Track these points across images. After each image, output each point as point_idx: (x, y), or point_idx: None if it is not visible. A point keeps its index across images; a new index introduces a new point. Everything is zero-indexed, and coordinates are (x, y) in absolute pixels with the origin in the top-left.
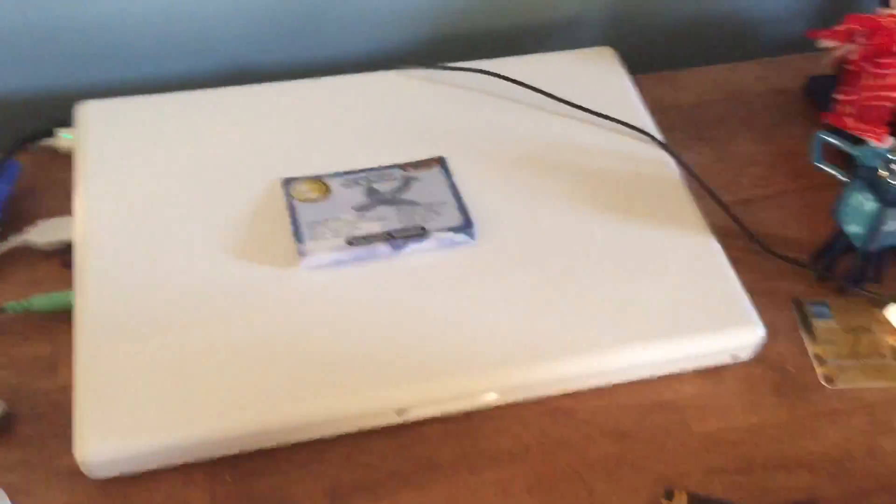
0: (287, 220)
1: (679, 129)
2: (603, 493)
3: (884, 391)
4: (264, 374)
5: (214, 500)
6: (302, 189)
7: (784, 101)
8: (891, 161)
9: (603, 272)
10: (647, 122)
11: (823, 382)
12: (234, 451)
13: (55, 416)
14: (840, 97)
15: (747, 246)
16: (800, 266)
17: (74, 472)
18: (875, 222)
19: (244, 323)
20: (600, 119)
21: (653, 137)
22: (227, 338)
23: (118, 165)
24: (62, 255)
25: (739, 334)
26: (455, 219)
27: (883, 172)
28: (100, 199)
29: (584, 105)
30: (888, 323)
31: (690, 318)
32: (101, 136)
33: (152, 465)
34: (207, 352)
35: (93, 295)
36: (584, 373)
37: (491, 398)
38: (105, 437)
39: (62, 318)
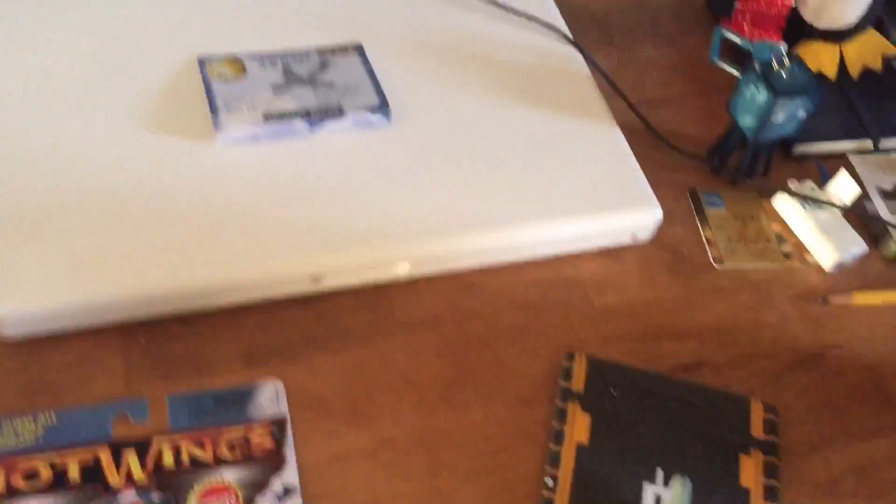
0: (203, 96)
1: (589, 34)
2: (508, 358)
3: (767, 272)
4: (181, 239)
5: (128, 361)
6: (218, 67)
7: (688, 12)
8: (783, 55)
9: (513, 155)
10: (559, 22)
11: (713, 263)
12: (150, 314)
13: None
14: (738, 5)
15: (649, 142)
16: (696, 159)
17: None
18: (766, 113)
19: (159, 192)
20: (517, 17)
21: (565, 36)
22: (142, 205)
23: (25, 34)
24: None
25: (639, 215)
26: (371, 99)
27: (776, 65)
28: (5, 72)
29: (500, 1)
30: (774, 212)
31: (594, 198)
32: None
33: (64, 325)
34: (121, 217)
35: (2, 167)
36: (493, 247)
37: (403, 269)
38: (13, 294)
39: None
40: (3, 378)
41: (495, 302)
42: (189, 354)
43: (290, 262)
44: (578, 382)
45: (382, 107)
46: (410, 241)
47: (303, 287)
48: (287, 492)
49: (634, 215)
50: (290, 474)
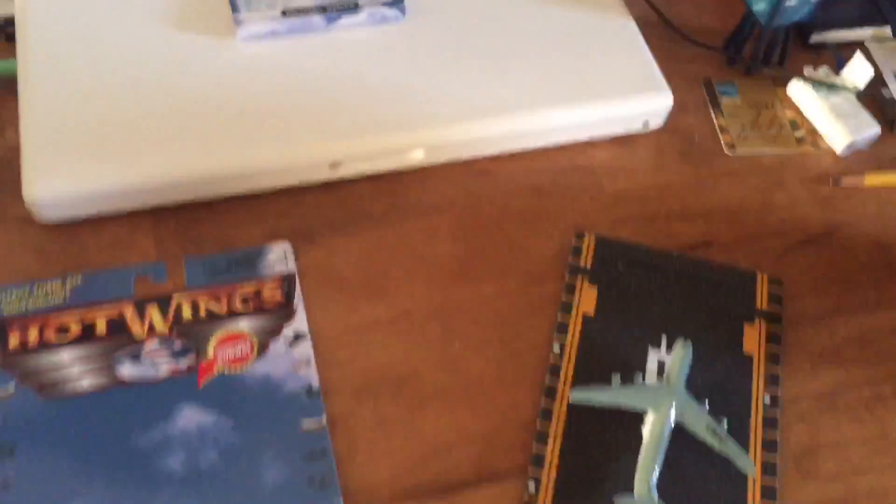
0: None
1: None
2: (519, 239)
3: (779, 157)
4: (204, 128)
5: (158, 241)
6: None
7: None
8: None
9: (526, 46)
10: None
11: (725, 149)
12: (178, 199)
13: (5, 174)
14: None
15: (664, 34)
16: (711, 50)
17: (25, 219)
18: None
19: (184, 86)
20: None
21: None
22: (168, 97)
23: None
24: (4, 28)
25: (650, 100)
26: None
27: None
28: None
29: None
30: (788, 99)
31: (606, 85)
32: None
33: (99, 209)
34: (147, 110)
35: (35, 59)
36: (505, 134)
37: (418, 156)
38: (50, 179)
39: (8, 87)
40: (40, 257)
41: (508, 187)
42: (215, 235)
43: (309, 148)
44: (587, 259)
45: (397, 1)
46: (425, 129)
47: (322, 174)
48: (298, 337)
49: (645, 101)
50: (300, 322)
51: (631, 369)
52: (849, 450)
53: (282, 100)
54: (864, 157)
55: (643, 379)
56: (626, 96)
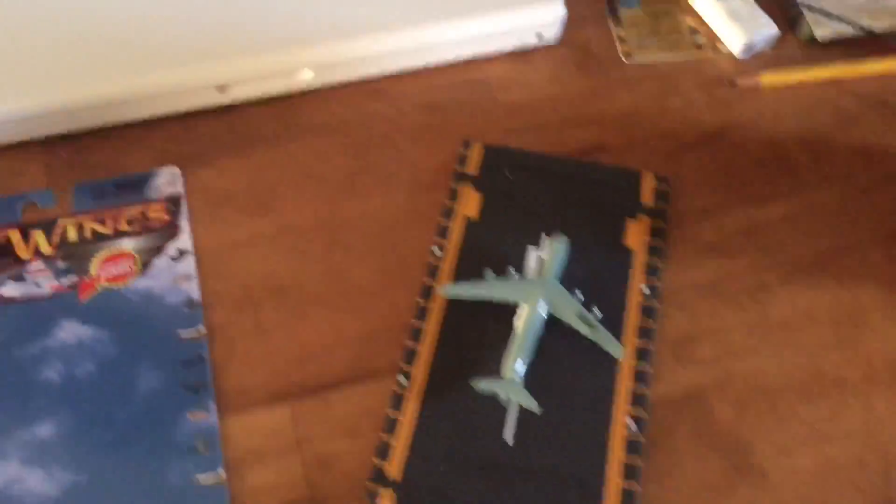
0: None
1: None
2: (411, 152)
3: (677, 63)
4: (90, 54)
5: (49, 170)
6: None
7: None
8: None
9: None
10: None
11: (623, 58)
12: (68, 127)
13: None
14: None
15: None
16: None
17: None
18: None
19: (68, 10)
20: None
21: None
22: (51, 25)
23: None
24: None
25: (540, 10)
26: None
27: None
28: None
29: None
30: (690, 7)
31: None
32: None
33: None
34: (32, 37)
35: None
36: (395, 49)
37: (307, 76)
38: None
39: None
40: None
41: (401, 105)
42: (106, 163)
43: (194, 71)
44: (473, 166)
45: None
46: (311, 47)
47: (212, 98)
48: (182, 253)
49: (535, 12)
50: (184, 240)
51: (508, 266)
52: (728, 335)
53: (166, 23)
54: (766, 59)
55: (516, 273)
56: (515, 8)
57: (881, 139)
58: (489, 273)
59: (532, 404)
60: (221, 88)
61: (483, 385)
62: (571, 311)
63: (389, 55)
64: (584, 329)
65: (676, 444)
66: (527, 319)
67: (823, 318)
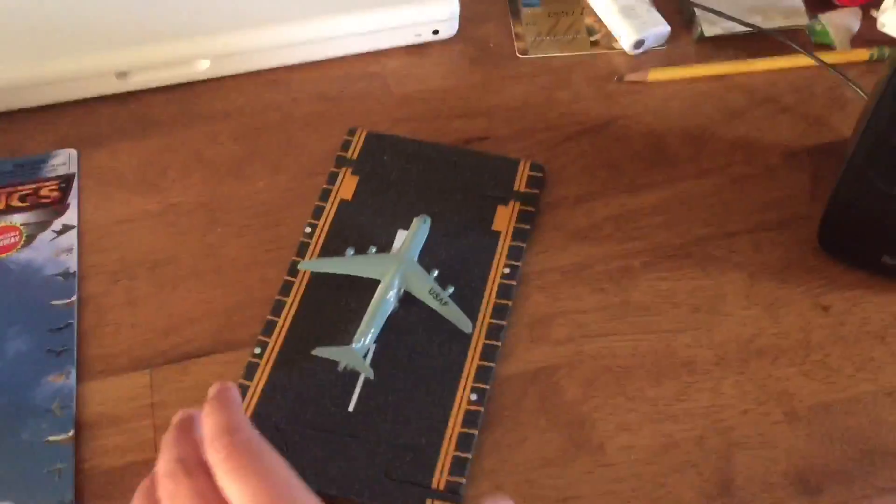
0: None
1: None
2: (300, 139)
3: (571, 58)
4: None
5: None
6: None
7: None
8: None
9: None
10: None
11: (518, 53)
12: None
13: None
14: None
15: None
16: None
17: None
18: None
19: None
20: None
21: None
22: None
23: None
24: None
25: (436, 6)
26: None
27: None
28: None
29: None
30: (590, 8)
31: None
32: None
33: None
34: None
35: None
36: (292, 41)
37: (204, 66)
38: None
39: None
40: None
41: (297, 95)
42: (8, 145)
43: (94, 59)
44: (354, 152)
45: None
46: (208, 37)
47: (112, 85)
48: (65, 228)
49: (431, 7)
50: (70, 216)
51: (371, 245)
52: (585, 316)
53: (68, 11)
54: (658, 56)
55: (376, 251)
56: (411, 4)
57: (765, 133)
58: (350, 250)
59: (368, 371)
60: (121, 76)
61: (323, 352)
62: (424, 287)
63: (287, 47)
64: (434, 304)
65: (520, 418)
66: (379, 294)
67: (683, 303)
